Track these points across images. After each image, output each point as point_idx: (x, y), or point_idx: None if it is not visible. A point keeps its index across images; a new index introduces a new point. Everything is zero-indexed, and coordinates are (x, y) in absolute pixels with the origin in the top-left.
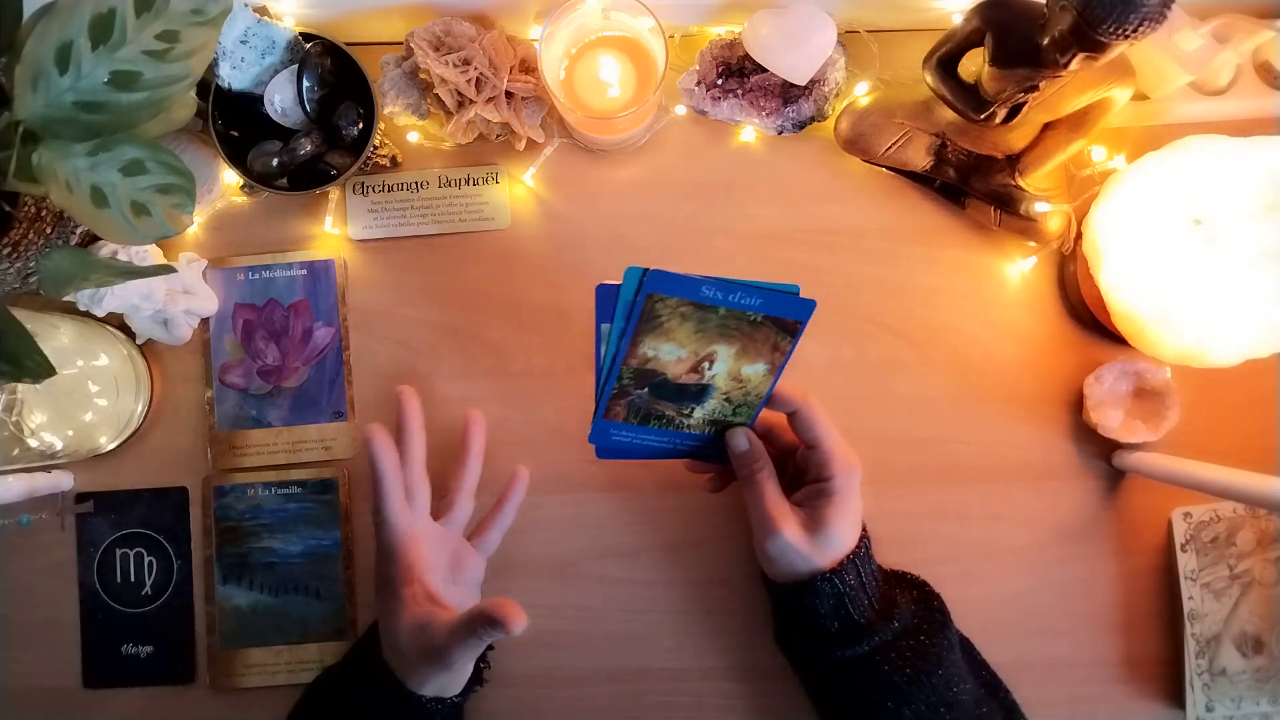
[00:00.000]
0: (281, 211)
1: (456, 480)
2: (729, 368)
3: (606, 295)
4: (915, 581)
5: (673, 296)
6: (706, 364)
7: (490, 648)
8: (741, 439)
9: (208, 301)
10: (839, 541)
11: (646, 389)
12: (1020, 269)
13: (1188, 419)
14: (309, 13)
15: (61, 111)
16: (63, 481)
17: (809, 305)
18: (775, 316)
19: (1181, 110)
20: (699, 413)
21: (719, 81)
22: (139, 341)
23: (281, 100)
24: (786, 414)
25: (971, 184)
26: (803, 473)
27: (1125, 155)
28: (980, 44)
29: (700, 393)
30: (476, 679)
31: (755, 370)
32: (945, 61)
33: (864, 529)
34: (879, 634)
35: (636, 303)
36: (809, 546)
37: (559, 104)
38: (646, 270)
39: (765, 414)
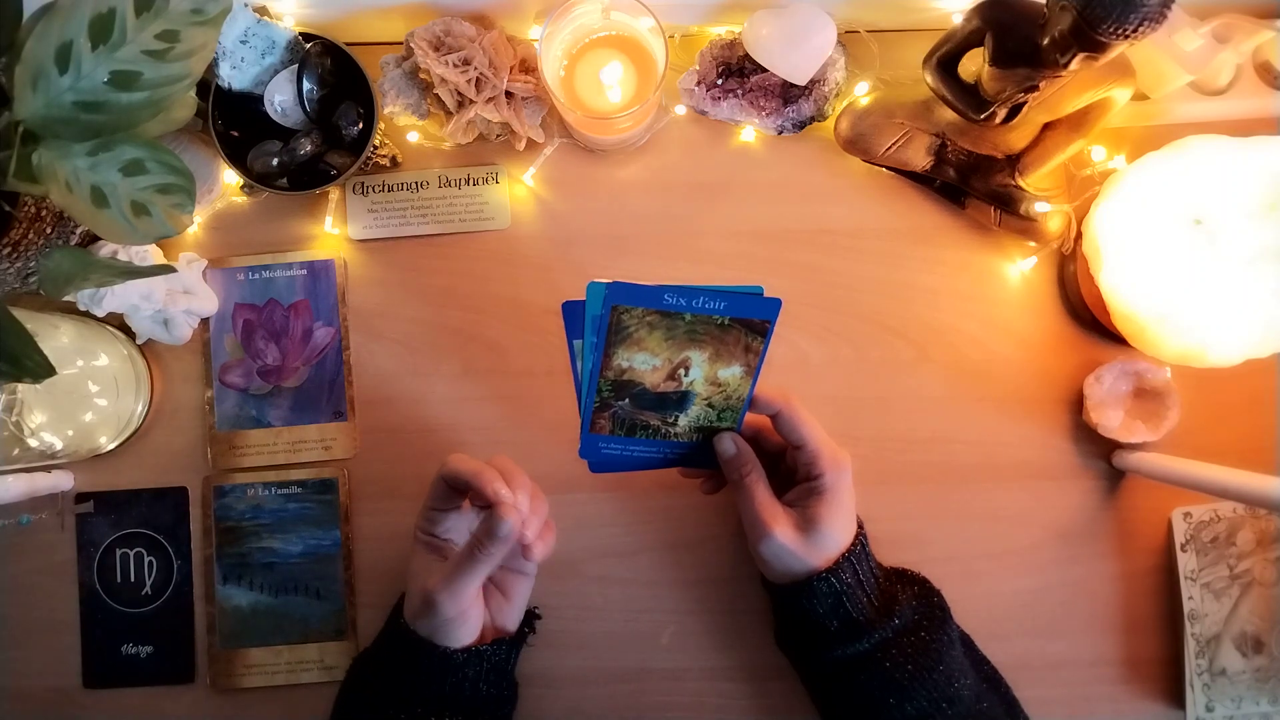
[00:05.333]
0: (281, 211)
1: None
2: (705, 372)
3: (573, 312)
4: (915, 578)
5: (637, 306)
6: (682, 370)
7: (538, 616)
8: (728, 444)
9: (208, 301)
10: (833, 540)
11: (627, 400)
12: (1020, 269)
13: (1188, 419)
14: (309, 13)
15: (61, 111)
16: (63, 481)
17: (774, 304)
18: (742, 318)
19: (1181, 110)
20: (684, 420)
21: (719, 81)
22: (139, 341)
23: (281, 100)
24: (770, 416)
25: (971, 184)
26: (793, 473)
27: (1125, 155)
28: (980, 44)
29: (681, 400)
30: (520, 640)
31: (732, 373)
32: (945, 61)
33: (860, 525)
34: (879, 631)
35: (603, 316)
36: (802, 547)
37: (559, 104)
38: (609, 284)
39: (752, 417)
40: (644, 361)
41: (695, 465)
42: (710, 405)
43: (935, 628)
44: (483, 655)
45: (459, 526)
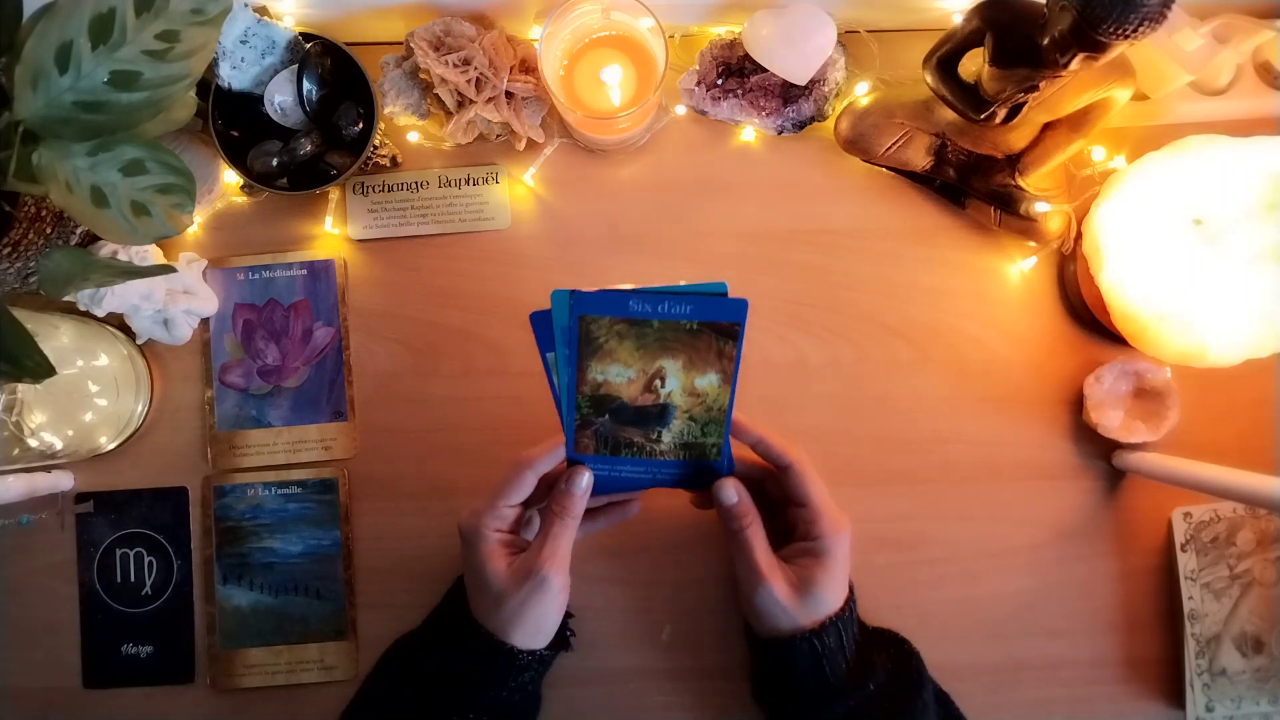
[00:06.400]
0: (281, 211)
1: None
2: (681, 383)
3: (542, 322)
4: (892, 639)
5: (604, 316)
6: (658, 381)
7: (570, 615)
8: (730, 492)
9: (208, 301)
10: (824, 602)
11: (607, 415)
12: (1020, 269)
13: (1188, 419)
14: (309, 13)
15: (61, 111)
16: (63, 481)
17: (740, 305)
18: (710, 322)
19: (1181, 110)
20: (667, 436)
21: (719, 81)
22: (139, 341)
23: (281, 100)
24: (778, 468)
25: (971, 184)
26: (792, 528)
27: (1125, 155)
28: (980, 44)
29: (662, 414)
30: (563, 644)
31: (709, 382)
32: (945, 61)
33: (850, 590)
34: (852, 697)
35: (571, 328)
36: (794, 604)
37: (559, 104)
38: (572, 293)
39: (758, 464)
40: (618, 374)
41: (685, 488)
42: (692, 419)
43: (910, 692)
44: (544, 660)
45: (522, 524)
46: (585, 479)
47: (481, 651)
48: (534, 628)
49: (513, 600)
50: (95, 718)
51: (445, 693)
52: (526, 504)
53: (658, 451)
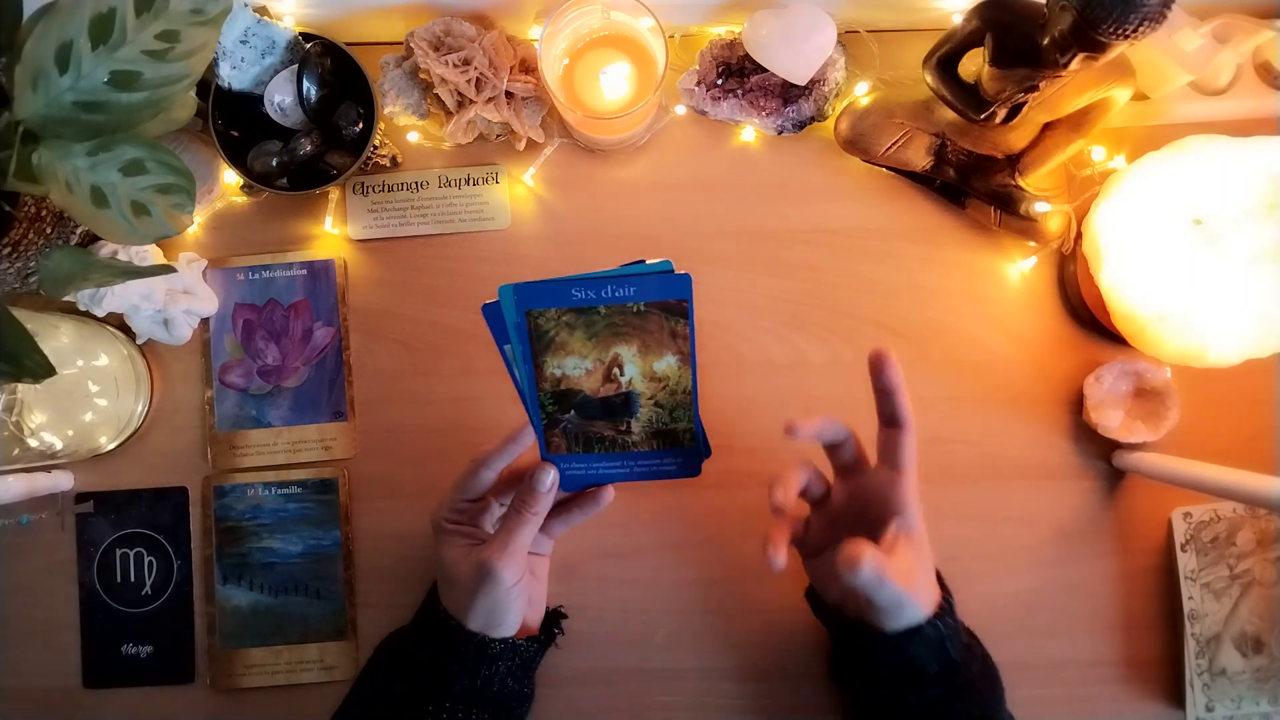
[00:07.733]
0: (281, 211)
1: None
2: (640, 368)
3: (494, 315)
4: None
5: (550, 308)
6: (616, 370)
7: (564, 615)
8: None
9: (208, 301)
10: (931, 584)
11: (572, 411)
12: (1020, 269)
13: (1188, 419)
14: (309, 13)
15: (61, 111)
16: (63, 481)
17: (684, 280)
18: (657, 302)
19: (1181, 110)
20: (637, 426)
21: (719, 81)
22: (139, 341)
23: (281, 100)
24: (889, 424)
25: (971, 184)
26: (851, 501)
27: (1125, 155)
28: (980, 44)
29: (627, 403)
30: (549, 638)
31: (667, 364)
32: (945, 61)
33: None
34: (964, 673)
35: (520, 324)
36: (915, 595)
37: (559, 104)
38: (515, 286)
39: (830, 427)
40: (575, 366)
41: (665, 477)
42: (658, 405)
43: (993, 668)
44: (517, 649)
45: (483, 516)
46: (550, 476)
47: (450, 638)
48: (486, 617)
49: (465, 589)
50: (95, 718)
51: (428, 683)
52: (497, 496)
53: (630, 444)
